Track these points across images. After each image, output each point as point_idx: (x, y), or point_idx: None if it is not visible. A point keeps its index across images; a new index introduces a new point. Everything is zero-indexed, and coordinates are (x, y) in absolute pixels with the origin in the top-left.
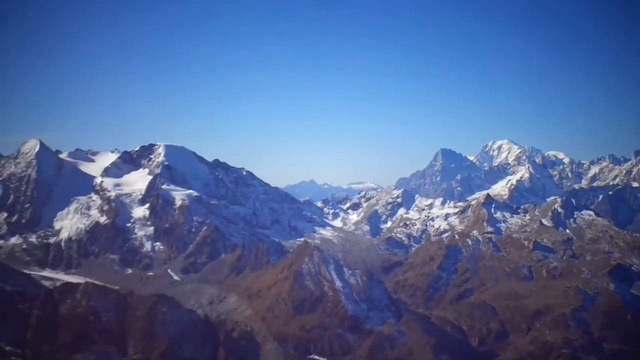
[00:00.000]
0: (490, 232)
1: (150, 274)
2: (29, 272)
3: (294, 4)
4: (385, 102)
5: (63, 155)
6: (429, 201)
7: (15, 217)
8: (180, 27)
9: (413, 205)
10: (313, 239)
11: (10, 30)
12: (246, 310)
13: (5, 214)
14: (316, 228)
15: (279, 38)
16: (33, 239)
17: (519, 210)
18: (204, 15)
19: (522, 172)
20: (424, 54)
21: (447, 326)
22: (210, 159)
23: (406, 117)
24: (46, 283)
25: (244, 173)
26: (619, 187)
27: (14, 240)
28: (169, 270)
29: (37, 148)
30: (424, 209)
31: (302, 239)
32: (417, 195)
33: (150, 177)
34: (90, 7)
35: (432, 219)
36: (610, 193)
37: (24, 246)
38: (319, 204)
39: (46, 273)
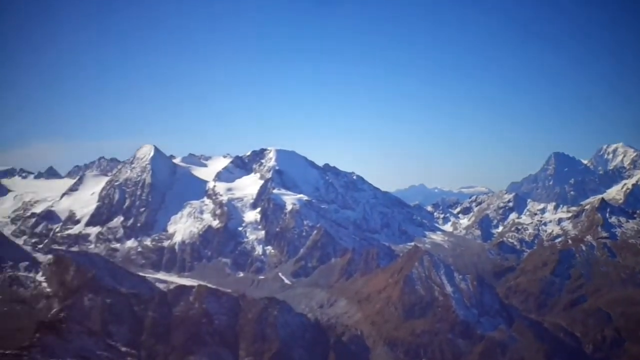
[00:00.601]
0: (605, 237)
1: (262, 277)
2: (144, 274)
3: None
4: (496, 105)
5: (177, 160)
6: (542, 205)
7: (131, 221)
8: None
9: (525, 210)
10: (423, 244)
11: (126, 38)
12: (356, 314)
13: (122, 218)
14: (426, 232)
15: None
16: (148, 242)
17: (635, 215)
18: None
19: (638, 176)
20: (542, 56)
21: (560, 333)
22: (320, 163)
23: (519, 120)
24: (160, 285)
25: (354, 177)
26: None
27: (130, 243)
28: (279, 274)
29: (152, 153)
30: (536, 214)
31: (412, 244)
32: (529, 200)
33: (262, 182)
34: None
35: (545, 224)
36: None
37: (139, 249)
38: (429, 208)
39: (160, 276)
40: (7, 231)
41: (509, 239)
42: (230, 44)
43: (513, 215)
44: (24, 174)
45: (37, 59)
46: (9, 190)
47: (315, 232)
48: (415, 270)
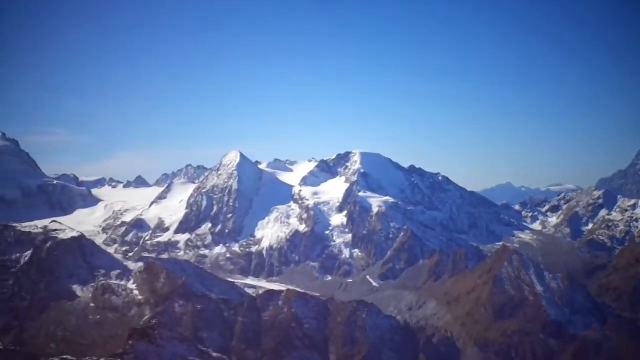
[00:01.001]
0: None
1: (350, 280)
2: (233, 280)
3: None
4: (583, 101)
5: (263, 166)
6: (632, 201)
7: (219, 227)
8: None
9: (615, 206)
10: (512, 243)
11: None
12: (446, 316)
13: (210, 225)
14: (514, 232)
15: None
16: (236, 248)
17: None
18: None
19: None
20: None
21: None
22: (405, 165)
23: (607, 115)
24: (249, 291)
25: (440, 178)
26: None
27: (218, 249)
28: (367, 277)
29: (238, 160)
30: (627, 210)
31: (501, 243)
32: (619, 196)
33: (347, 185)
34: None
35: (636, 220)
36: None
37: (228, 255)
38: (517, 207)
39: (249, 281)
40: (99, 240)
41: (600, 237)
42: (314, 45)
43: (603, 212)
44: (113, 184)
45: (131, 72)
46: (99, 200)
47: (402, 234)
48: (504, 270)
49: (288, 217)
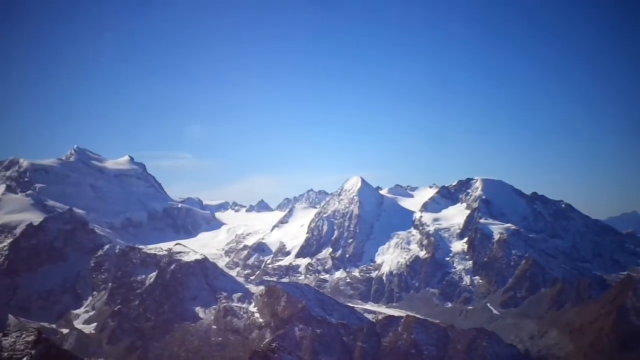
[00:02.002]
0: None
1: (470, 307)
2: (352, 305)
3: None
4: None
5: (383, 192)
6: None
7: (339, 252)
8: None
9: None
10: (637, 273)
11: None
12: (568, 346)
13: (330, 249)
14: None
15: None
16: (356, 272)
17: None
18: None
19: None
20: None
21: None
22: (528, 192)
23: None
24: (369, 316)
25: (563, 205)
26: None
27: (339, 274)
28: (488, 304)
29: (359, 185)
30: None
31: (625, 273)
32: None
33: (468, 212)
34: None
35: None
36: None
37: (348, 280)
38: None
39: (369, 306)
40: (221, 263)
41: None
42: (436, 74)
43: None
44: (236, 208)
45: (255, 100)
46: (222, 224)
47: (523, 261)
48: (628, 301)
49: (408, 242)
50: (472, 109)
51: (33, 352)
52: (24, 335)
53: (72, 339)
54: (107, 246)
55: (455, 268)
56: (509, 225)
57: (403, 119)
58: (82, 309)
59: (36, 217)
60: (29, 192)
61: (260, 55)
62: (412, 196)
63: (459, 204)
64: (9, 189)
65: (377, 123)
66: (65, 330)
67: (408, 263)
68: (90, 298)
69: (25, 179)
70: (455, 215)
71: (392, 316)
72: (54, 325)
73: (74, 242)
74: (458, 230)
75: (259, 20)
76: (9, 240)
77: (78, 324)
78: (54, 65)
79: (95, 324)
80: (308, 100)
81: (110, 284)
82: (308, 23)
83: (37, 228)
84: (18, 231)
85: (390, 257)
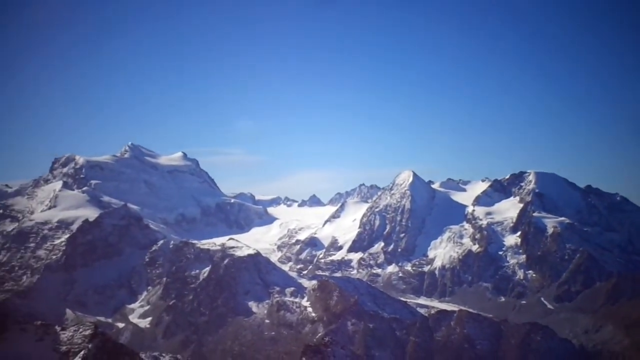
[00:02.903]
0: None
1: (523, 302)
2: (405, 299)
3: None
4: None
5: (435, 186)
6: None
7: (391, 247)
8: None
9: None
10: None
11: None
12: (624, 340)
13: (382, 244)
14: None
15: None
16: (408, 267)
17: None
18: None
19: None
20: None
21: None
22: (582, 185)
23: None
24: (421, 310)
25: (618, 198)
26: None
27: (391, 268)
28: (542, 299)
29: (411, 179)
30: None
31: None
32: None
33: (522, 205)
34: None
35: None
36: None
37: (400, 274)
38: None
39: (421, 301)
40: (274, 258)
41: None
42: (490, 67)
43: None
44: (288, 203)
45: (304, 95)
46: (275, 219)
47: (578, 255)
48: None
49: (461, 236)
50: (525, 101)
51: (90, 346)
52: (81, 330)
53: (128, 333)
54: (161, 241)
55: (508, 262)
56: (562, 218)
57: (454, 112)
58: (137, 304)
59: (92, 213)
60: (84, 188)
61: (310, 51)
62: (464, 190)
63: (512, 198)
64: (65, 185)
65: (428, 117)
66: (121, 325)
67: (461, 257)
68: (145, 293)
69: (81, 176)
70: (509, 209)
71: (445, 310)
72: (110, 320)
73: (129, 238)
74: (511, 224)
75: (313, 17)
76: (66, 236)
77: (133, 319)
78: (109, 63)
79: (150, 318)
80: (360, 95)
81: (164, 279)
82: (364, 22)
83: (93, 224)
84: (74, 227)
85: (442, 251)
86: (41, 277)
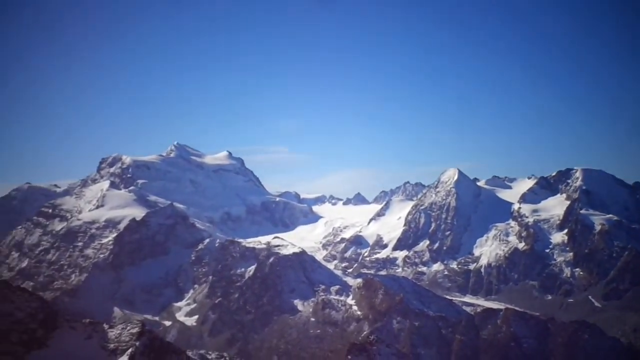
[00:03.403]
0: None
1: (570, 300)
2: (450, 297)
3: None
4: None
5: (481, 183)
6: None
7: (436, 244)
8: None
9: None
10: None
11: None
12: None
13: (428, 242)
14: None
15: None
16: (454, 265)
17: None
18: None
19: None
20: None
21: None
22: (629, 181)
23: None
24: (467, 309)
25: None
26: None
27: (436, 266)
28: (589, 297)
29: (456, 177)
30: None
31: None
32: None
33: (568, 202)
34: None
35: None
36: None
37: (445, 272)
38: None
39: (467, 299)
40: (319, 256)
41: None
42: (535, 64)
43: None
44: (333, 201)
45: (349, 94)
46: (320, 217)
47: (626, 253)
48: None
49: (507, 234)
50: (572, 97)
51: (137, 343)
52: (128, 328)
53: (175, 331)
54: (207, 240)
55: (555, 260)
56: (610, 216)
57: (500, 109)
58: (183, 302)
59: (139, 212)
60: (131, 187)
61: (355, 51)
62: (510, 187)
63: (558, 195)
64: (112, 185)
65: (473, 114)
66: (167, 323)
67: (507, 255)
68: (191, 291)
69: (128, 175)
70: (555, 206)
71: (491, 309)
72: (157, 318)
73: (175, 237)
74: (558, 222)
75: (357, 16)
76: (114, 235)
77: (180, 317)
78: (154, 65)
79: (196, 316)
80: (405, 92)
81: (210, 277)
82: (413, 23)
83: (140, 223)
84: (122, 226)
85: (488, 249)
86: (89, 275)
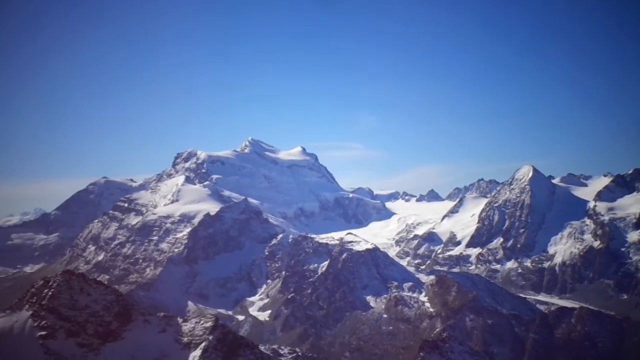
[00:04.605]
0: None
1: None
2: (524, 295)
3: None
4: None
5: (556, 181)
6: None
7: (510, 242)
8: None
9: None
10: None
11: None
12: None
13: (501, 239)
14: None
15: None
16: (528, 263)
17: None
18: None
19: None
20: None
21: None
22: None
23: None
24: (541, 307)
25: None
26: None
27: (510, 264)
28: None
29: (531, 174)
30: None
31: None
32: None
33: None
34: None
35: None
36: None
37: (519, 270)
38: None
39: (541, 297)
40: (392, 252)
41: None
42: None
43: None
44: (406, 197)
45: (425, 92)
46: (393, 213)
47: None
48: None
49: (582, 232)
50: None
51: (210, 337)
52: (202, 322)
53: (248, 326)
54: (280, 235)
55: (631, 259)
56: None
57: (575, 107)
58: (257, 297)
59: (213, 207)
60: (206, 182)
61: (433, 49)
62: (585, 185)
63: (635, 193)
64: (187, 179)
65: (548, 111)
66: (241, 317)
67: (582, 253)
68: (264, 286)
69: (203, 170)
70: (632, 204)
71: (565, 307)
72: (230, 312)
73: (249, 232)
74: (634, 220)
75: (441, 14)
76: (188, 230)
77: (253, 311)
78: (230, 62)
79: (269, 311)
80: (479, 89)
81: (283, 273)
82: (499, 19)
83: (214, 218)
84: (196, 221)
85: (563, 247)
86: (164, 269)
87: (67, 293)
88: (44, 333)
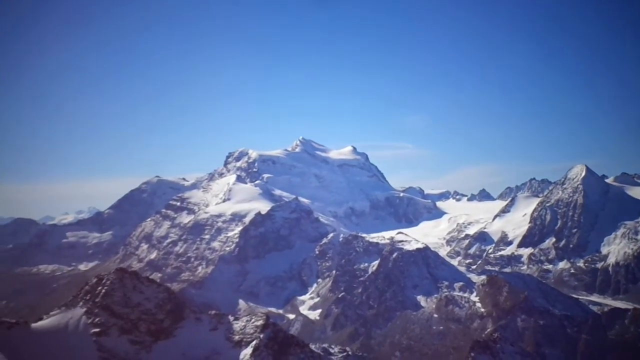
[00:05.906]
0: None
1: None
2: (576, 296)
3: None
4: None
5: (609, 180)
6: None
7: (562, 242)
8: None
9: None
10: None
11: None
12: None
13: (554, 239)
14: None
15: None
16: (580, 263)
17: None
18: None
19: None
20: None
21: None
22: None
23: None
24: (594, 308)
25: None
26: None
27: (562, 264)
28: None
29: (584, 173)
30: None
31: None
32: None
33: None
34: None
35: None
36: None
37: (572, 270)
38: None
39: (594, 298)
40: (443, 252)
41: None
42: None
43: None
44: (457, 197)
45: (475, 94)
46: (444, 213)
47: None
48: None
49: (636, 232)
50: None
51: (261, 336)
52: (253, 320)
53: (298, 325)
54: (331, 234)
55: None
56: None
57: (628, 105)
58: (307, 295)
59: (264, 206)
60: (257, 181)
61: (483, 49)
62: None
63: None
64: (239, 179)
65: (602, 109)
66: (291, 316)
67: (636, 254)
68: (315, 285)
69: (254, 169)
70: None
71: (619, 308)
72: (281, 311)
73: (299, 231)
74: None
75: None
76: (239, 229)
77: (303, 310)
78: (281, 63)
79: (319, 310)
80: (530, 89)
81: (334, 272)
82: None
83: (265, 217)
84: (247, 220)
85: (616, 248)
86: (215, 268)
87: (120, 291)
88: (97, 330)
